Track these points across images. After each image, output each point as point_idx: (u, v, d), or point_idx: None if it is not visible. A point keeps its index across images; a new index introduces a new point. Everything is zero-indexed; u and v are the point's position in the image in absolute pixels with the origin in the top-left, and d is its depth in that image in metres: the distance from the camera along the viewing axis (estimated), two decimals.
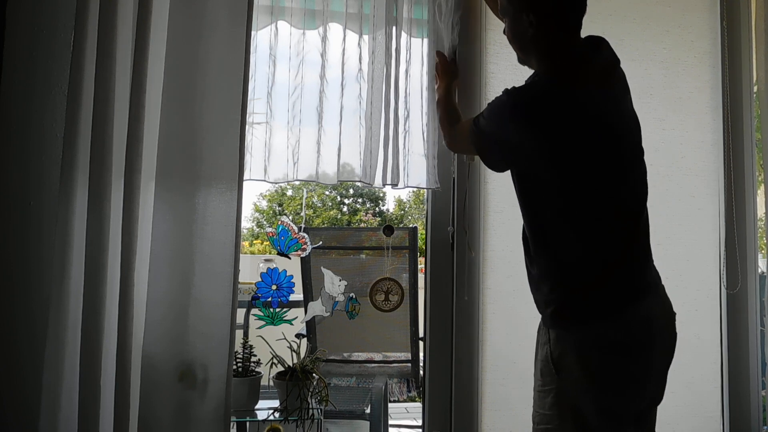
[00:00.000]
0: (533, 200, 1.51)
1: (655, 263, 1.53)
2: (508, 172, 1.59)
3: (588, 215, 1.45)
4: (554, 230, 1.47)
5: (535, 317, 1.52)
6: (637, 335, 1.40)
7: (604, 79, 1.50)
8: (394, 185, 1.94)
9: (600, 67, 1.51)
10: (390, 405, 2.78)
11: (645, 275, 1.48)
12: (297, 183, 1.95)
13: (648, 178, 2.12)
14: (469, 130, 1.60)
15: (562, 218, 1.46)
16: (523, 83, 1.56)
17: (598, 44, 1.56)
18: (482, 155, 1.60)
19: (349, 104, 1.94)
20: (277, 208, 15.02)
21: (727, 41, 2.25)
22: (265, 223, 14.86)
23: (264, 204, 15.36)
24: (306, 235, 2.15)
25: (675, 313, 1.51)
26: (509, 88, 1.51)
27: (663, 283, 1.52)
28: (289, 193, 14.55)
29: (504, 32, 1.63)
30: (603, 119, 1.46)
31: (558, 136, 1.43)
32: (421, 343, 2.29)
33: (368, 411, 2.37)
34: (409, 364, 2.48)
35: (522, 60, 1.62)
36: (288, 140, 1.92)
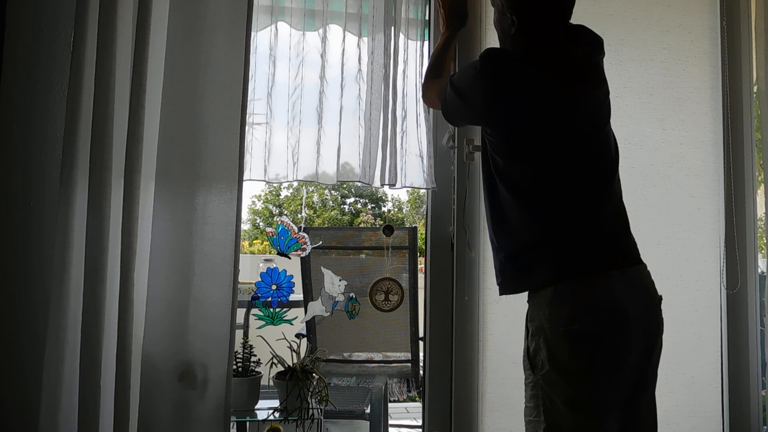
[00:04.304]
0: (492, 168, 1.57)
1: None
2: None
3: (536, 180, 1.49)
4: (509, 195, 1.52)
5: None
6: (607, 324, 1.39)
7: (567, 74, 1.53)
8: (392, 185, 1.95)
9: (566, 64, 1.54)
10: (390, 405, 2.78)
11: (614, 244, 1.48)
12: (296, 183, 1.95)
13: (648, 177, 2.12)
14: (443, 86, 1.67)
15: (514, 181, 1.52)
16: None
17: (576, 42, 1.59)
18: (446, 105, 1.66)
19: (349, 104, 1.94)
20: (274, 209, 15.00)
21: (727, 41, 2.25)
22: (261, 224, 14.85)
23: (260, 205, 15.35)
24: (306, 235, 2.15)
25: (660, 297, 1.49)
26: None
27: (660, 280, 1.51)
28: (286, 193, 14.54)
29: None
30: (553, 100, 1.50)
31: (508, 96, 1.50)
32: (421, 343, 2.29)
33: (368, 411, 2.37)
34: (409, 364, 2.47)
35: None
36: (288, 140, 1.92)
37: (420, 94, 1.98)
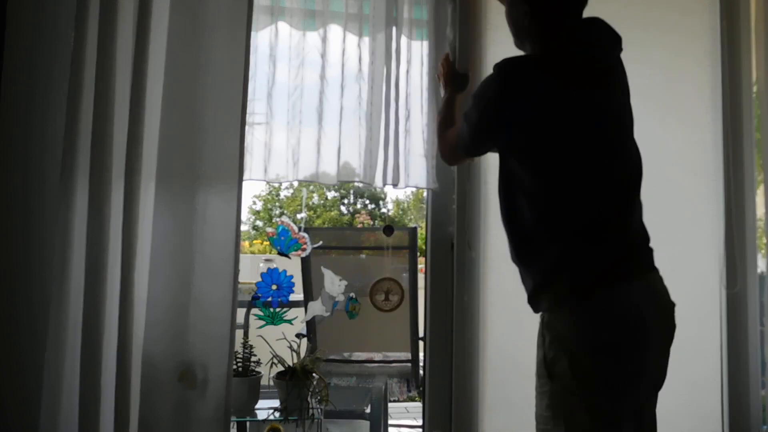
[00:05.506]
0: (516, 188, 1.50)
1: (655, 263, 1.52)
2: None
3: (565, 189, 1.44)
4: (535, 212, 1.47)
5: (536, 317, 1.52)
6: (629, 334, 1.38)
7: (590, 77, 1.49)
8: (395, 185, 1.94)
9: (588, 66, 1.50)
10: (390, 405, 2.78)
11: (635, 254, 1.47)
12: (296, 183, 1.95)
13: (648, 177, 2.11)
14: (460, 125, 1.61)
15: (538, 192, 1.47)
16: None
17: (593, 37, 1.54)
18: (468, 137, 1.58)
19: (349, 104, 1.94)
20: (274, 210, 14.99)
21: (727, 41, 2.25)
22: (261, 225, 14.85)
23: (259, 206, 15.34)
24: (306, 235, 2.15)
25: (674, 304, 1.48)
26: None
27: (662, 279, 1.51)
28: (284, 193, 14.53)
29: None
30: (580, 109, 1.45)
31: (533, 104, 1.44)
32: (421, 343, 2.29)
33: (368, 411, 2.37)
34: (409, 364, 2.48)
35: (517, 44, 1.63)
36: (288, 140, 1.92)
37: (427, 104, 1.99)
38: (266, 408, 1.98)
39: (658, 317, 1.44)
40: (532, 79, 1.46)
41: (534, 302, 1.50)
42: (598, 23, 1.57)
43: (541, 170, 1.47)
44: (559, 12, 1.52)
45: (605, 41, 1.56)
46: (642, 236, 1.51)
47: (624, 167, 1.50)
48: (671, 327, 1.47)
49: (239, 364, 2.02)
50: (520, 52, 1.62)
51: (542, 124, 1.44)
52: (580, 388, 1.38)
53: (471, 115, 1.54)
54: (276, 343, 2.06)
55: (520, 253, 1.52)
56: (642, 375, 1.42)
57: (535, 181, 1.47)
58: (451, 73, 1.97)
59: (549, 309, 1.46)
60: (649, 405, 1.48)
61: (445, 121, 1.84)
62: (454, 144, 1.65)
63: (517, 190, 1.50)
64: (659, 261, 1.54)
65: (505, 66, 1.48)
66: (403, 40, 2.00)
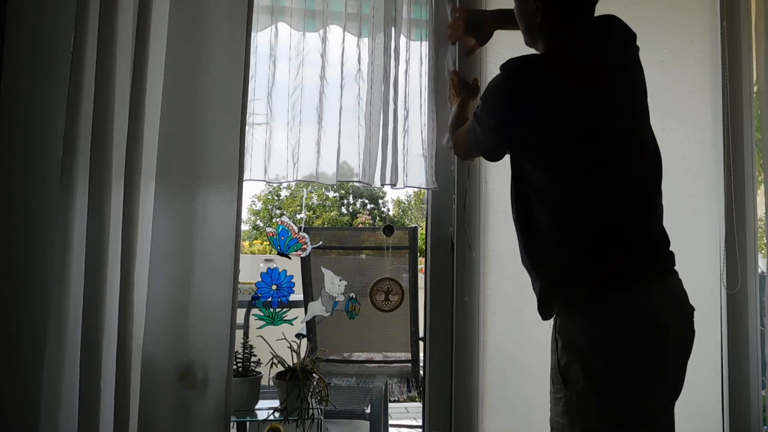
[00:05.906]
0: (530, 190, 1.48)
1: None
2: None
3: (577, 191, 1.42)
4: (549, 214, 1.45)
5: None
6: (645, 339, 1.35)
7: (600, 76, 1.46)
8: (393, 185, 1.94)
9: (598, 65, 1.47)
10: (390, 405, 2.78)
11: (654, 257, 1.44)
12: (294, 184, 1.95)
13: None
14: (470, 124, 1.59)
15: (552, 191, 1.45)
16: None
17: (606, 36, 1.51)
18: (484, 142, 1.55)
19: (349, 104, 1.94)
20: (275, 210, 15.00)
21: (727, 41, 2.25)
22: (261, 225, 14.85)
23: (259, 206, 15.35)
24: (306, 235, 2.15)
25: (693, 308, 1.45)
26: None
27: None
28: (284, 193, 14.53)
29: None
30: (589, 108, 1.42)
31: (541, 103, 1.41)
32: (421, 343, 2.29)
33: (368, 411, 2.37)
34: (409, 364, 2.48)
35: (528, 42, 1.61)
36: (288, 140, 1.92)
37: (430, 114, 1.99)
38: (266, 408, 1.98)
39: (676, 322, 1.40)
40: (539, 78, 1.44)
41: (544, 308, 1.47)
42: (612, 21, 1.55)
43: (554, 171, 1.45)
44: (572, 9, 1.49)
45: (619, 40, 1.53)
46: (661, 238, 1.48)
47: (642, 168, 1.47)
48: (690, 333, 1.44)
49: (239, 364, 2.02)
50: (521, 52, 1.60)
51: (552, 124, 1.42)
52: (595, 394, 1.35)
53: (483, 118, 1.51)
54: (276, 343, 2.06)
55: (532, 255, 1.49)
56: (659, 381, 1.38)
57: (547, 182, 1.45)
58: (463, 82, 1.97)
59: (560, 313, 1.43)
60: (668, 413, 1.45)
61: (458, 118, 1.83)
62: (469, 144, 1.64)
63: (530, 191, 1.48)
64: None
65: (511, 66, 1.46)
66: (403, 40, 2.00)
